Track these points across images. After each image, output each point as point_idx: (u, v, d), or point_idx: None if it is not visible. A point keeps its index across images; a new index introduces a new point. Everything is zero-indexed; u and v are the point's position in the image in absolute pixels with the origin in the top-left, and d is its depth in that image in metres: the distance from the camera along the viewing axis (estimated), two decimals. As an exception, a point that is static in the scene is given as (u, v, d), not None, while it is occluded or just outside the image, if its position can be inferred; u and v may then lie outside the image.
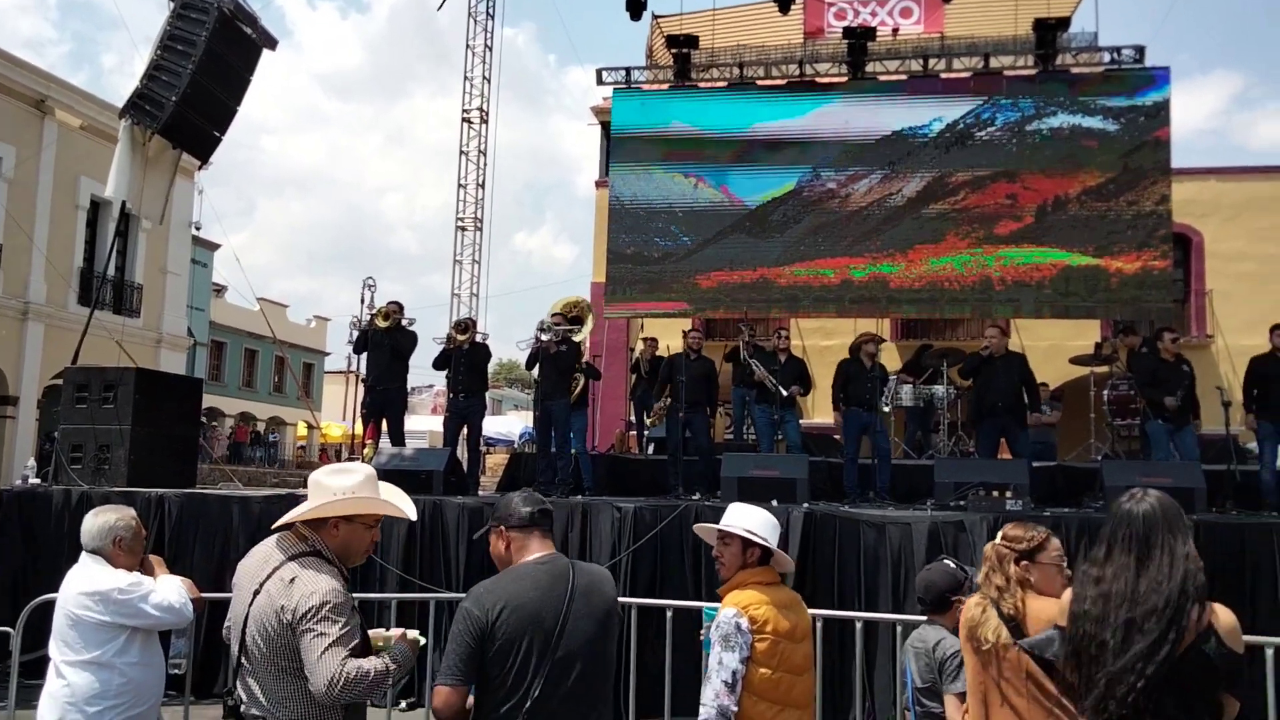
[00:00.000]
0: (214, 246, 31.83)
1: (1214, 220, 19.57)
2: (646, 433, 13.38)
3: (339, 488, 3.15)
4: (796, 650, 3.48)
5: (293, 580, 3.01)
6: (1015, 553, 3.31)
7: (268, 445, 37.80)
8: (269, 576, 3.05)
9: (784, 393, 10.10)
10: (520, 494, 3.23)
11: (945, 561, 4.36)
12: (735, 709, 3.30)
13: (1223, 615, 2.60)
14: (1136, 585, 2.60)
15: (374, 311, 10.89)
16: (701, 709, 3.33)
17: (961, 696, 3.60)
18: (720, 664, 3.34)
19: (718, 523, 3.65)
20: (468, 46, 16.12)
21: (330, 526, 3.15)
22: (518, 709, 2.79)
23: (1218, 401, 9.65)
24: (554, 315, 10.52)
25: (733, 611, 3.41)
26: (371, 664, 2.98)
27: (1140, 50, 13.49)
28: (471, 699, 2.91)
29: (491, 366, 12.48)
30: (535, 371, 10.49)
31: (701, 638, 3.77)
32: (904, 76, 14.18)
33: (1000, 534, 3.43)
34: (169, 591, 3.98)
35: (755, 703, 3.34)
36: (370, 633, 3.34)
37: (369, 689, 2.96)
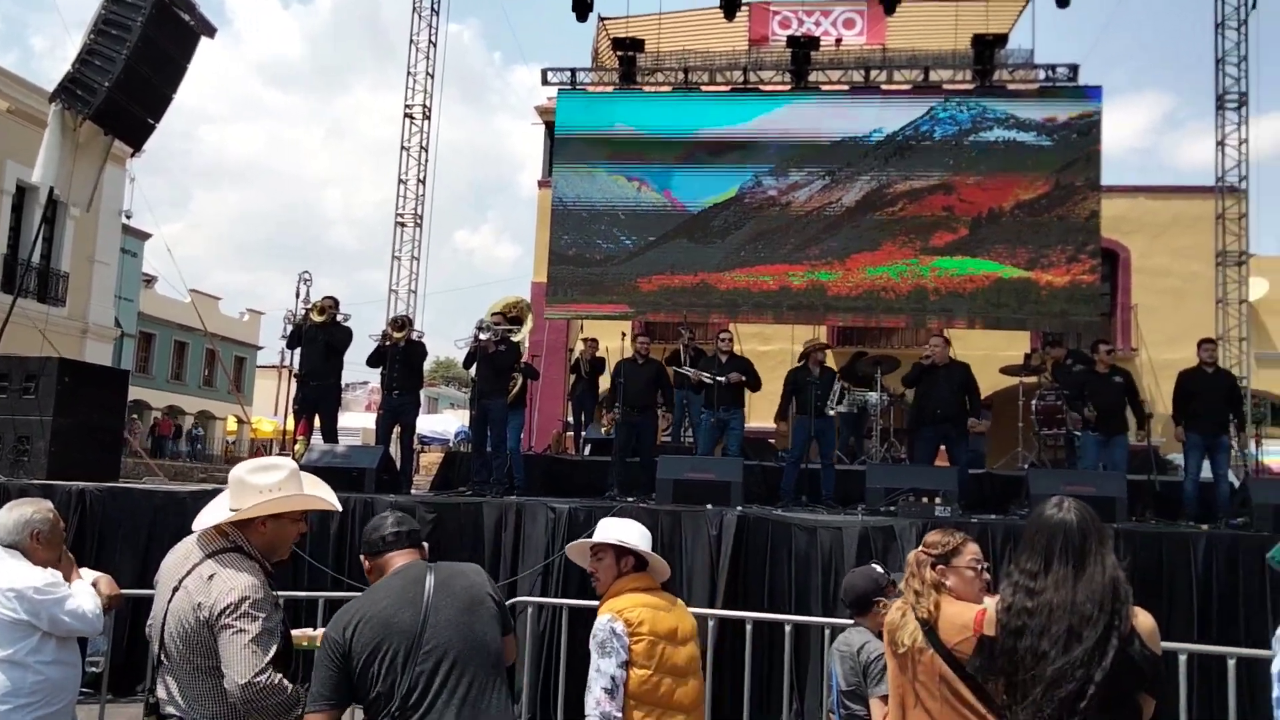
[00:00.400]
0: (145, 236, 31.10)
1: (1141, 237, 20.16)
2: (584, 433, 13.37)
3: (265, 485, 3.12)
4: (678, 652, 3.45)
5: (211, 577, 2.97)
6: (932, 557, 3.34)
7: (193, 439, 36.86)
8: (188, 574, 3.02)
9: (723, 380, 10.12)
10: (378, 518, 3.22)
11: (871, 566, 4.45)
12: (619, 715, 3.28)
13: (1143, 618, 2.67)
14: (1075, 595, 2.65)
15: (309, 306, 10.74)
16: (587, 718, 3.31)
17: (885, 699, 3.64)
18: (599, 671, 3.32)
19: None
20: (411, 41, 15.94)
21: (258, 524, 3.11)
22: (403, 711, 2.77)
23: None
24: (493, 315, 10.46)
25: (608, 617, 3.40)
26: (296, 689, 2.94)
27: (1074, 69, 13.86)
28: None
29: (428, 364, 12.39)
30: (473, 370, 10.42)
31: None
32: (846, 86, 14.38)
33: (922, 540, 3.50)
34: (84, 599, 3.87)
35: (633, 707, 3.32)
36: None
37: (282, 706, 2.90)
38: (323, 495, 3.30)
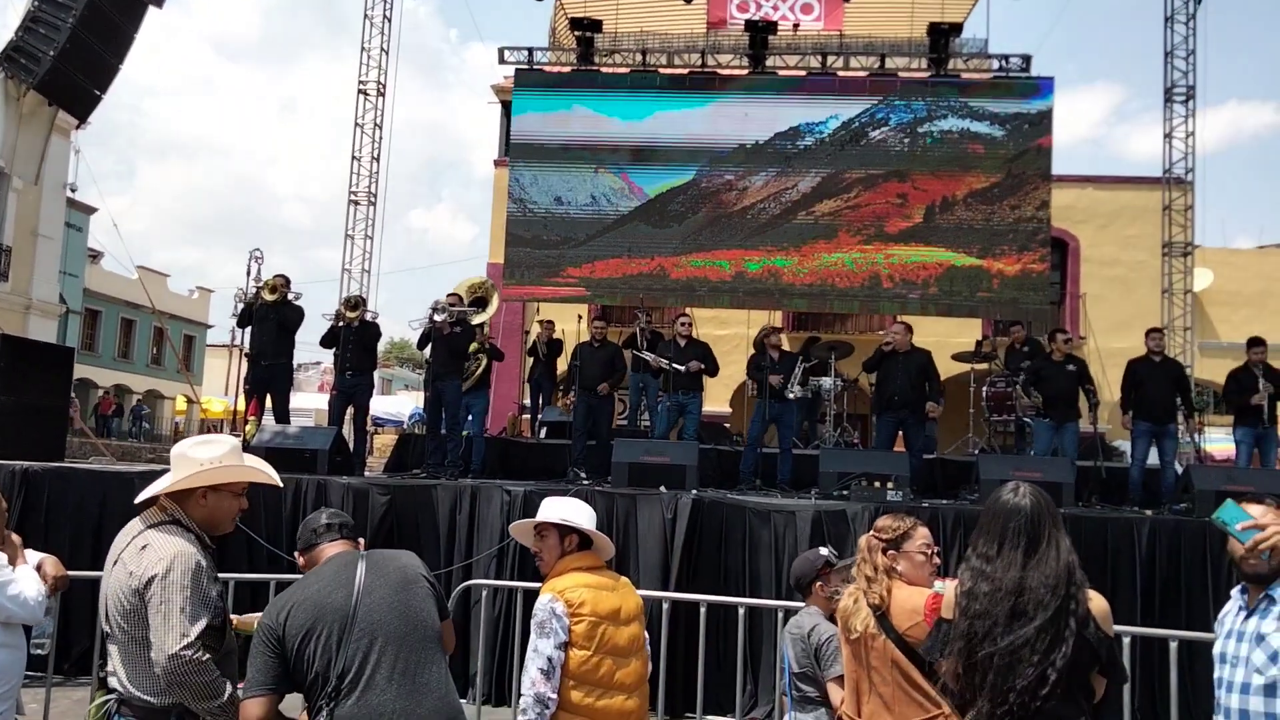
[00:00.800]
0: (91, 210, 30.43)
1: (1089, 226, 20.50)
2: (540, 416, 13.34)
3: (205, 458, 3.14)
4: (620, 633, 3.44)
5: (144, 547, 3.00)
6: (883, 542, 3.39)
7: (137, 418, 36.16)
8: (125, 547, 3.05)
9: (681, 369, 10.15)
10: (312, 515, 3.28)
11: (816, 549, 4.52)
12: (553, 696, 3.27)
13: (1096, 601, 2.73)
14: (1023, 577, 2.69)
15: (260, 284, 10.59)
16: (521, 699, 3.32)
17: (840, 681, 3.69)
18: (535, 651, 3.31)
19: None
20: (366, 16, 15.73)
21: (198, 497, 3.14)
22: (339, 690, 2.77)
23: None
24: (450, 295, 10.38)
25: (548, 597, 3.39)
26: (222, 680, 2.92)
27: (1027, 59, 14.02)
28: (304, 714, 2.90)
29: (382, 345, 12.28)
30: (427, 351, 10.35)
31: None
32: (803, 72, 14.43)
33: (873, 525, 3.53)
34: (27, 584, 3.79)
35: (573, 687, 3.31)
36: (241, 618, 3.30)
37: (207, 688, 2.88)
38: (261, 469, 3.33)
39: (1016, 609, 2.65)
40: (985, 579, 2.74)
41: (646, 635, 3.65)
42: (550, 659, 3.28)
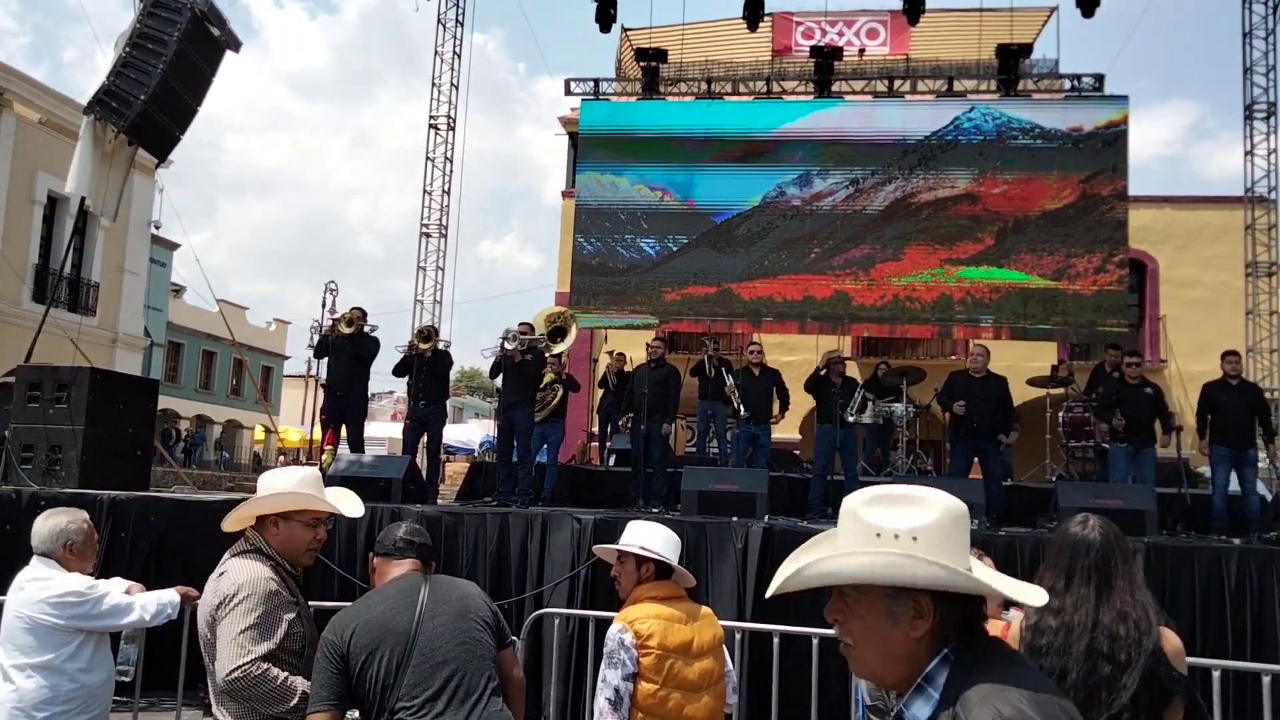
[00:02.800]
0: (173, 246, 31.41)
1: (1168, 247, 19.99)
2: (609, 444, 13.38)
3: (277, 488, 3.21)
4: (690, 668, 3.39)
5: (222, 574, 3.10)
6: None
7: (190, 445, 35.72)
8: (212, 576, 3.15)
9: (745, 413, 10.13)
10: (394, 524, 3.31)
11: None
12: None
13: (1169, 639, 2.65)
14: (1098, 615, 2.62)
15: (336, 317, 10.80)
16: None
17: None
18: (604, 681, 3.31)
19: (682, 539, 3.65)
20: (436, 53, 16.05)
21: (270, 525, 3.19)
22: (398, 712, 2.82)
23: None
24: (522, 324, 10.47)
25: (619, 628, 3.38)
26: (291, 680, 2.96)
27: (1100, 78, 13.78)
28: None
29: (453, 374, 12.43)
30: (499, 380, 10.45)
31: None
32: (869, 96, 14.36)
33: None
34: (118, 594, 3.96)
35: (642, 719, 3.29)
36: None
37: (270, 696, 2.93)
38: (339, 502, 3.36)
39: (1092, 647, 2.59)
40: (1053, 613, 2.68)
41: (730, 667, 3.60)
42: (617, 689, 3.28)
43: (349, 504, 3.41)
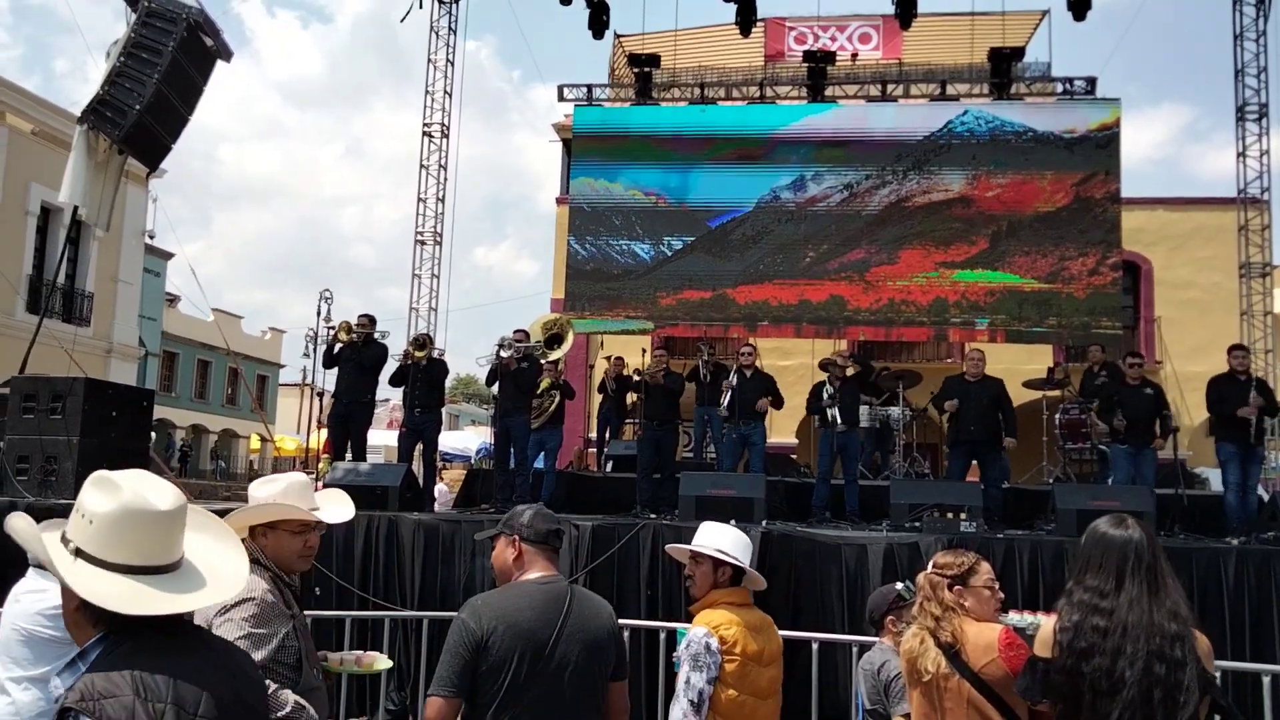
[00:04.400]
0: (167, 256, 31.36)
1: (1162, 249, 20.05)
2: (606, 450, 13.36)
3: (259, 497, 3.14)
4: (763, 674, 3.47)
5: None
6: (948, 579, 3.29)
7: (180, 453, 35.11)
8: None
9: (723, 410, 10.13)
10: (534, 508, 3.19)
11: (892, 584, 4.43)
12: None
13: (1200, 639, 2.64)
14: (1153, 614, 2.60)
15: (332, 326, 10.76)
16: None
17: (907, 718, 3.62)
18: (688, 684, 3.33)
19: (678, 540, 3.66)
20: (429, 60, 16.05)
21: (258, 535, 3.12)
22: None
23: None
24: (518, 332, 10.46)
25: (704, 631, 3.40)
26: (281, 692, 2.87)
27: (1092, 81, 13.83)
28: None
29: (449, 381, 12.41)
30: (495, 388, 10.44)
31: (676, 658, 3.76)
32: (863, 101, 14.39)
33: (931, 563, 3.43)
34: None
35: None
36: (330, 655, 3.30)
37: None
38: (321, 504, 3.26)
39: (1142, 647, 2.56)
40: (1100, 614, 2.64)
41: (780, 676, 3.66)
42: (701, 692, 3.32)
43: (336, 509, 3.31)
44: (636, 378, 10.15)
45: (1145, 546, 2.71)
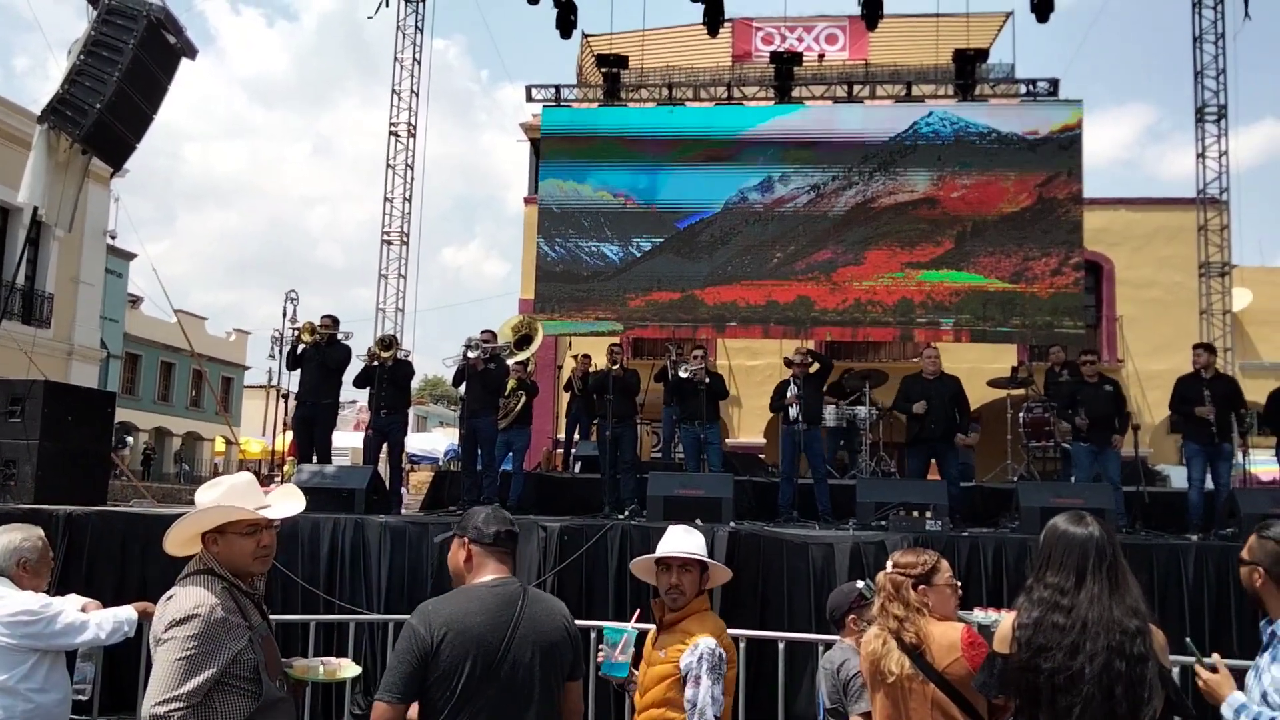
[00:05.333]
0: (130, 256, 30.99)
1: (1124, 249, 20.30)
2: (574, 450, 13.35)
3: (202, 501, 3.06)
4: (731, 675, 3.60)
5: (169, 599, 2.90)
6: (911, 578, 3.29)
7: (144, 455, 34.67)
8: (162, 600, 2.96)
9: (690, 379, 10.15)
10: (487, 509, 3.15)
11: (853, 582, 4.45)
12: None
13: (1156, 633, 2.69)
14: (1113, 612, 2.64)
15: (297, 327, 10.68)
16: None
17: (865, 717, 3.63)
18: (713, 699, 3.40)
19: (645, 543, 3.66)
20: (396, 59, 15.96)
21: (209, 543, 3.01)
22: None
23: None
24: (485, 332, 10.43)
25: (713, 642, 3.46)
26: None
27: (1055, 83, 13.99)
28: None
29: (416, 382, 12.33)
30: (462, 389, 10.40)
31: (600, 660, 3.70)
32: (829, 102, 14.47)
33: (890, 562, 3.42)
34: (72, 612, 3.87)
35: None
36: (296, 662, 3.23)
37: None
38: (271, 502, 3.16)
39: (1101, 644, 2.59)
40: (1059, 611, 2.67)
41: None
42: (720, 702, 3.42)
43: (284, 504, 3.18)
44: (683, 374, 10.08)
45: (1105, 544, 2.74)
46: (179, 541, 3.06)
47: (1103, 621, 2.62)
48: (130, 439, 34.96)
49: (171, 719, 2.69)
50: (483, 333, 10.43)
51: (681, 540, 3.65)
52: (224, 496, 3.05)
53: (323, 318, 10.62)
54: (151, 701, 2.71)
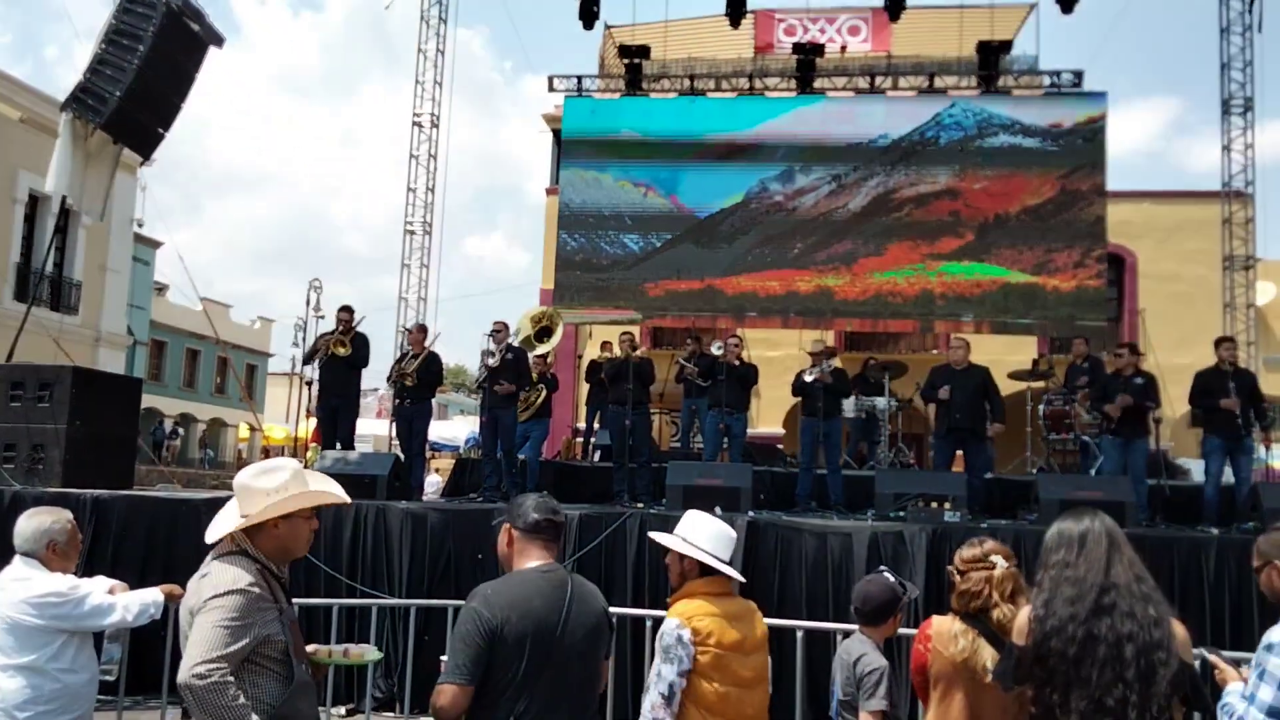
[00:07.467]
0: (156, 244, 31.25)
1: (1148, 241, 20.13)
2: (593, 440, 13.40)
3: (270, 488, 3.08)
4: (745, 663, 3.40)
5: (204, 576, 2.96)
6: (1010, 564, 3.23)
7: (157, 442, 34.01)
8: (195, 578, 3.01)
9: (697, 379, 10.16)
10: (534, 498, 3.23)
11: (885, 574, 4.18)
12: None
13: (1178, 628, 2.70)
14: (1119, 572, 2.67)
15: (327, 335, 10.67)
16: None
17: (876, 715, 3.58)
18: (659, 676, 3.30)
19: (666, 529, 3.66)
20: (419, 50, 16.03)
21: (269, 527, 3.06)
22: (513, 713, 2.84)
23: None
24: (495, 324, 10.36)
25: (675, 623, 3.36)
26: (245, 708, 2.76)
27: (1079, 74, 13.88)
28: None
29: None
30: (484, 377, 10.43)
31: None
32: (851, 93, 14.43)
33: (980, 555, 3.30)
34: (101, 594, 3.94)
35: (705, 717, 3.30)
36: (317, 649, 3.29)
37: (222, 710, 2.72)
38: (330, 490, 3.27)
39: (1122, 610, 2.63)
40: (1068, 583, 2.71)
41: (769, 662, 3.62)
42: (672, 685, 3.28)
43: (336, 489, 3.31)
44: (715, 350, 10.16)
45: (1104, 533, 2.77)
46: (245, 523, 3.07)
47: (1111, 582, 2.66)
48: (182, 430, 35.21)
49: (213, 676, 2.73)
50: (494, 324, 10.34)
51: (683, 525, 3.61)
52: (299, 481, 3.13)
53: (340, 311, 10.66)
54: (193, 661, 2.74)
